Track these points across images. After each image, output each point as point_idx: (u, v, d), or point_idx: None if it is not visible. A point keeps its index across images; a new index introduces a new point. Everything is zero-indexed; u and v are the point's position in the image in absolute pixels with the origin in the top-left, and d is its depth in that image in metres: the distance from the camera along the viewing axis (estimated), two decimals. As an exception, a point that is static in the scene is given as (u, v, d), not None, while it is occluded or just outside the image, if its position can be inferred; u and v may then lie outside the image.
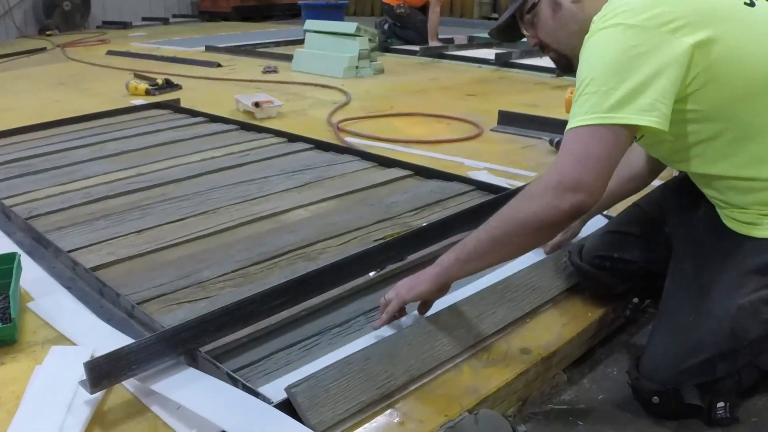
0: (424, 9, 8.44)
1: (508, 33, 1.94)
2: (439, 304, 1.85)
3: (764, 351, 1.71)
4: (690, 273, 1.76)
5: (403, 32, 8.38)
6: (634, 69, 1.49)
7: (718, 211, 1.77)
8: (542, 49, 1.87)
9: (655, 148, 1.82)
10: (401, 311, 1.85)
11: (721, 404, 1.65)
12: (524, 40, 1.91)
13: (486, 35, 8.93)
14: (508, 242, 1.64)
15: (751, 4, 1.61)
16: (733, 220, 1.72)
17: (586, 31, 1.62)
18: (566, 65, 1.79)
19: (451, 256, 1.74)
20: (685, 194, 1.88)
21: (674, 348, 1.68)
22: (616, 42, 1.53)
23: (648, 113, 1.49)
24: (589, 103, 1.52)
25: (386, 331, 1.78)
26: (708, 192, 1.78)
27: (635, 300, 2.04)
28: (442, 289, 1.81)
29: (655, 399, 1.68)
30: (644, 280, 2.01)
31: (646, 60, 1.49)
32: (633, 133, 1.53)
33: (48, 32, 11.46)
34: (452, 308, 1.85)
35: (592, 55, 1.57)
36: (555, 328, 1.93)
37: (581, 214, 1.55)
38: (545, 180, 1.56)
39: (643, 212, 2.07)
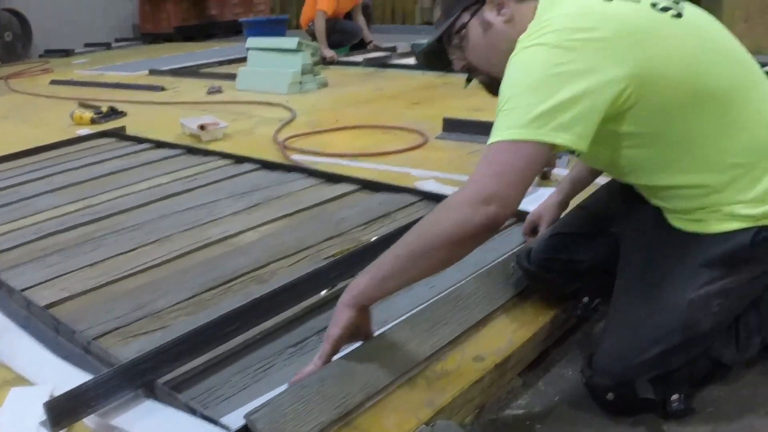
0: (348, 16, 8.54)
1: (436, 58, 1.94)
2: (392, 318, 1.86)
3: (716, 341, 1.74)
4: (640, 269, 1.79)
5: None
6: (556, 88, 1.50)
7: (665, 214, 1.79)
8: (470, 72, 1.89)
9: (594, 162, 1.85)
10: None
11: (675, 396, 1.68)
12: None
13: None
14: (428, 257, 1.60)
15: (678, 15, 1.62)
16: (680, 220, 1.75)
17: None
18: (496, 88, 1.70)
19: (365, 278, 1.69)
20: (631, 193, 1.89)
21: (627, 343, 1.70)
22: (539, 61, 1.54)
23: (564, 132, 1.50)
24: (508, 119, 1.54)
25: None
26: (653, 201, 1.80)
27: (585, 299, 2.05)
28: (363, 312, 1.73)
29: (610, 396, 1.69)
30: (594, 278, 2.03)
31: (569, 80, 1.51)
32: (549, 150, 1.54)
33: (-10, 65, 11.36)
34: (405, 322, 1.87)
35: (516, 73, 1.58)
36: (507, 334, 1.94)
37: (497, 226, 1.55)
38: (461, 193, 1.58)
39: (588, 213, 2.10)
